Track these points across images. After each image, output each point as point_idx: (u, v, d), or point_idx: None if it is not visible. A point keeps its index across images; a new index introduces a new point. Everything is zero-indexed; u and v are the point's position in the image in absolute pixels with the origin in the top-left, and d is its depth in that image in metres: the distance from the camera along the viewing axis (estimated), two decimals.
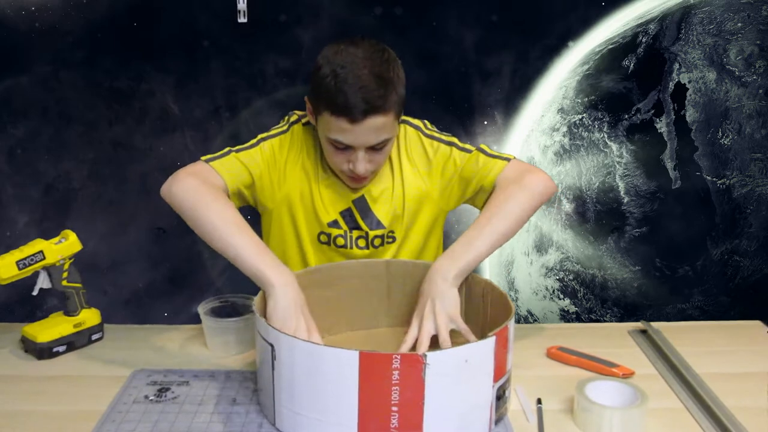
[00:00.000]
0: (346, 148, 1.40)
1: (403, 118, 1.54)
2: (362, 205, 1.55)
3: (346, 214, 1.55)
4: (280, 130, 1.52)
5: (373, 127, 1.36)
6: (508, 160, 1.49)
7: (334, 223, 1.54)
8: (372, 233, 1.55)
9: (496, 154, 1.50)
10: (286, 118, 1.56)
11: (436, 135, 1.55)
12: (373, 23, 2.54)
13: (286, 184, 1.51)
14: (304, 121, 1.54)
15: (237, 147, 1.47)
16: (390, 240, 1.57)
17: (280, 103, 2.58)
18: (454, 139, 1.55)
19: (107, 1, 2.46)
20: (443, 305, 1.27)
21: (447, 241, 1.72)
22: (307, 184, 1.53)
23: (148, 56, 2.52)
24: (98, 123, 2.57)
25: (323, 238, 1.55)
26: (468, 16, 2.55)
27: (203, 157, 1.43)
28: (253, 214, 1.56)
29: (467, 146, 1.53)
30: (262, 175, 1.47)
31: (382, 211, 1.55)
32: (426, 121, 1.58)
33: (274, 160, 1.49)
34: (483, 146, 1.52)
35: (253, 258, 1.24)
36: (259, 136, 1.50)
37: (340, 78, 1.33)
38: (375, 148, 1.41)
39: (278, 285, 1.21)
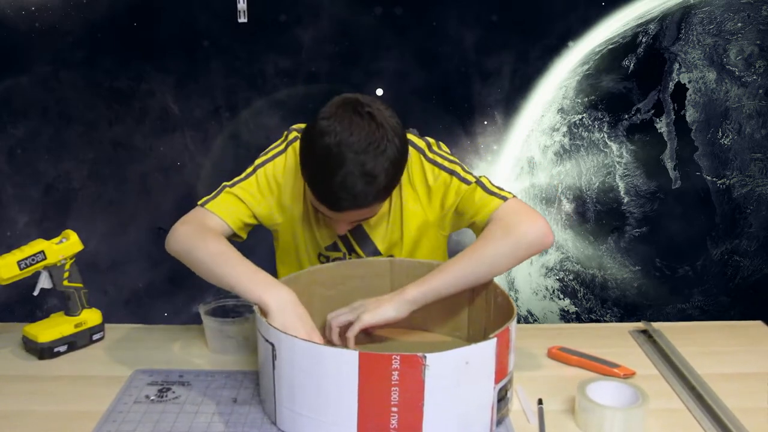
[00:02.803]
0: None
1: (407, 137, 1.45)
2: (359, 232, 1.52)
3: (344, 238, 1.53)
4: (277, 150, 1.49)
5: (355, 215, 1.36)
6: (505, 199, 1.39)
7: (333, 246, 1.53)
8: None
9: (495, 190, 1.41)
10: (285, 134, 1.52)
11: (438, 160, 1.46)
12: (373, 23, 2.54)
13: (286, 207, 1.49)
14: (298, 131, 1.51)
15: (233, 180, 1.45)
16: None
17: (280, 103, 2.58)
18: (456, 167, 1.45)
19: (107, 1, 2.47)
20: (364, 310, 1.29)
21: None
22: (305, 206, 1.50)
23: (148, 56, 2.53)
24: (98, 123, 2.57)
25: (323, 259, 1.54)
26: (468, 16, 2.56)
27: (199, 201, 1.42)
28: (263, 232, 1.56)
29: (468, 176, 1.44)
30: (259, 205, 1.45)
31: (378, 237, 1.53)
32: (431, 141, 1.50)
33: (269, 187, 1.46)
34: (483, 179, 1.43)
35: (245, 284, 1.24)
36: (256, 162, 1.48)
37: (328, 169, 1.27)
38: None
39: (275, 307, 1.19)
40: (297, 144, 1.47)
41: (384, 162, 1.29)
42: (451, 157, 1.49)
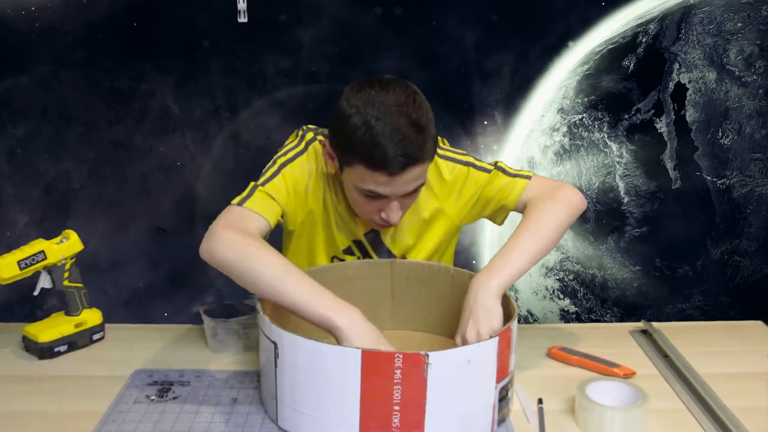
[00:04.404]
0: (377, 198, 1.35)
1: None
2: (374, 238, 1.52)
3: (359, 244, 1.53)
4: (297, 150, 1.45)
5: (411, 177, 1.31)
6: (528, 177, 1.44)
7: (348, 250, 1.53)
8: None
9: (516, 172, 1.46)
10: (300, 133, 1.49)
11: (450, 155, 1.49)
12: (373, 23, 2.54)
13: (307, 208, 1.47)
14: (320, 138, 1.48)
15: (261, 180, 1.40)
16: None
17: (280, 103, 2.58)
18: (471, 158, 1.49)
19: (107, 1, 2.46)
20: (488, 321, 1.22)
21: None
22: (324, 208, 1.49)
23: (148, 56, 2.52)
24: (98, 123, 2.57)
25: (336, 261, 1.53)
26: (468, 16, 2.55)
27: (234, 201, 1.35)
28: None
29: (485, 165, 1.48)
30: (288, 204, 1.42)
31: (392, 240, 1.53)
32: (437, 137, 1.49)
33: (295, 187, 1.43)
34: (501, 164, 1.47)
35: (311, 305, 1.16)
36: (279, 161, 1.43)
37: (376, 131, 1.25)
38: (408, 194, 1.37)
39: (346, 326, 1.13)
40: (316, 144, 1.46)
41: (426, 113, 1.30)
42: (460, 150, 1.51)
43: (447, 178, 1.48)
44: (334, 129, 1.34)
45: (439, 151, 1.48)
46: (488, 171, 1.47)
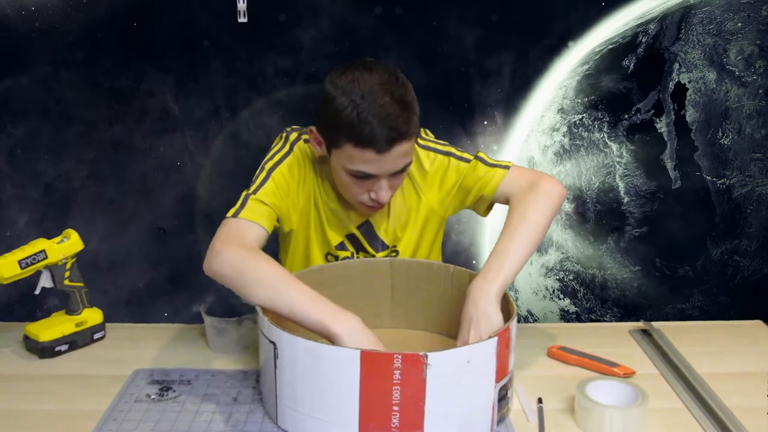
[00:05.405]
0: (366, 178, 1.37)
1: None
2: (368, 230, 1.54)
3: (352, 238, 1.54)
4: (283, 153, 1.47)
5: (399, 153, 1.33)
6: (507, 167, 1.47)
7: (341, 245, 1.54)
8: (378, 255, 1.55)
9: (495, 162, 1.48)
10: (284, 135, 1.51)
11: (431, 145, 1.51)
12: (373, 23, 2.54)
13: (299, 208, 1.49)
14: (304, 138, 1.50)
15: (252, 188, 1.41)
16: (394, 255, 1.56)
17: (280, 103, 2.58)
18: (451, 148, 1.51)
19: (107, 1, 2.47)
20: (490, 328, 1.21)
21: (446, 241, 1.72)
22: (314, 206, 1.51)
23: (148, 56, 2.53)
24: (98, 123, 2.57)
25: (330, 258, 1.54)
26: (468, 16, 2.56)
27: (229, 213, 1.36)
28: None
29: (465, 155, 1.50)
30: (281, 207, 1.44)
31: (385, 232, 1.54)
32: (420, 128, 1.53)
33: (287, 189, 1.45)
34: (481, 154, 1.49)
35: (308, 311, 1.17)
36: (267, 166, 1.45)
37: (361, 108, 1.28)
38: (396, 173, 1.38)
39: (343, 334, 1.14)
40: (301, 144, 1.49)
41: (410, 91, 1.33)
42: (442, 141, 1.54)
43: (428, 168, 1.51)
44: (320, 113, 1.37)
45: (419, 141, 1.51)
46: (468, 161, 1.49)
